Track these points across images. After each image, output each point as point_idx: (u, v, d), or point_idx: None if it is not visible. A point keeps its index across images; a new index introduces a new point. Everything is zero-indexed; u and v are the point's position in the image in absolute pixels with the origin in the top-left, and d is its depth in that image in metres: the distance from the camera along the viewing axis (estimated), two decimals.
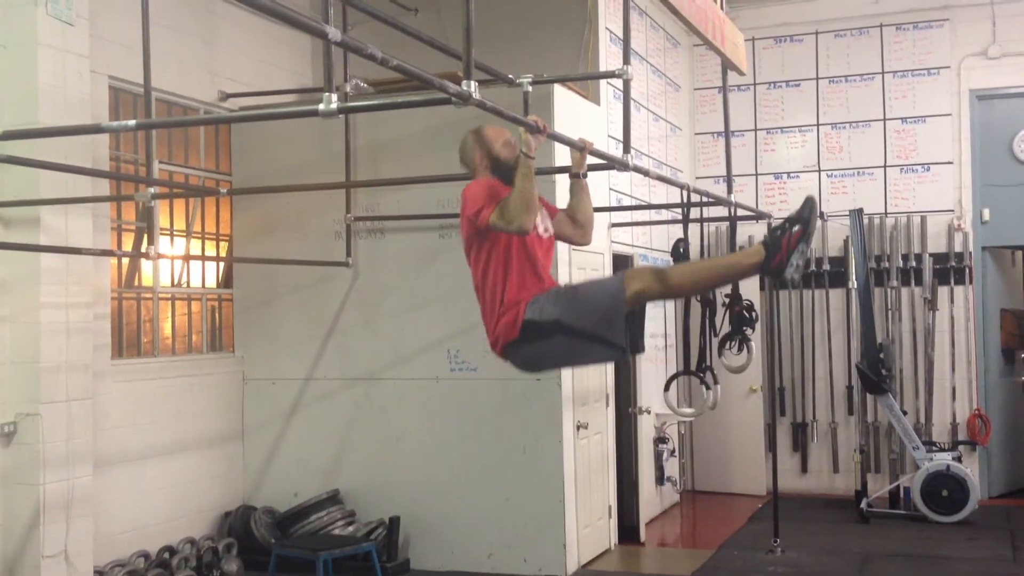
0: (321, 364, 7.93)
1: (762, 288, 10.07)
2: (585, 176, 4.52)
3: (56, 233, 6.15)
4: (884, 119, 10.33)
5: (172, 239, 7.74)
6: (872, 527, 8.79)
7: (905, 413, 9.40)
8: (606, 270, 8.17)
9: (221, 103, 7.91)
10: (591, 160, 4.68)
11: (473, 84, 3.50)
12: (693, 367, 6.57)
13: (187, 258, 7.84)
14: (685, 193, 6.62)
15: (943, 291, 10.03)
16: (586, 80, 8.02)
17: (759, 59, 10.64)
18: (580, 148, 4.49)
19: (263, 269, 7.98)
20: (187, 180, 7.81)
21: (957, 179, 10.09)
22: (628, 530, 8.39)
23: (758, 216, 8.20)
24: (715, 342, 6.64)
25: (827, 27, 10.53)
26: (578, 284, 4.36)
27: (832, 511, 9.45)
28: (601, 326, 3.88)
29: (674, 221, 9.09)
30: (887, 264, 10.11)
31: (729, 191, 7.13)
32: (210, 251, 8.12)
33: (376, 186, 7.62)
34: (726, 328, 6.77)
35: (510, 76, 6.11)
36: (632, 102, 6.17)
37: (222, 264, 8.23)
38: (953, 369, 9.99)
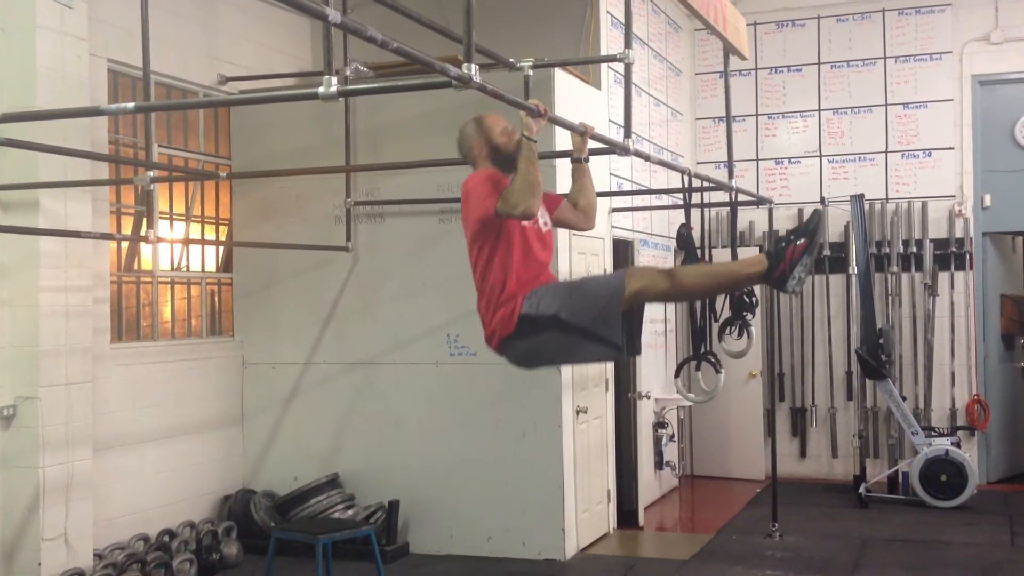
0: (321, 348, 7.93)
1: None
2: (587, 161, 4.49)
3: (55, 216, 6.13)
4: (886, 104, 10.30)
5: (171, 223, 7.73)
6: (871, 512, 8.81)
7: (904, 398, 9.42)
8: (606, 255, 8.16)
9: (220, 86, 7.88)
10: (592, 145, 4.66)
11: (474, 67, 3.49)
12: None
13: (186, 242, 7.83)
14: (686, 178, 6.60)
15: (943, 277, 10.02)
16: (587, 64, 8.00)
17: (761, 44, 10.61)
18: (581, 132, 4.47)
19: (263, 253, 7.97)
20: (186, 164, 7.80)
21: (958, 165, 10.07)
22: (627, 514, 8.41)
23: (759, 201, 8.19)
24: (715, 327, 6.63)
25: (829, 12, 10.49)
26: (578, 279, 4.31)
27: (831, 496, 9.47)
28: (597, 323, 3.83)
29: (675, 206, 9.08)
30: (888, 250, 10.10)
31: (730, 176, 7.12)
32: (209, 235, 8.11)
33: (376, 170, 7.60)
34: (726, 313, 6.75)
35: (511, 60, 6.09)
36: (633, 87, 6.14)
37: (222, 248, 8.22)
38: (953, 355, 9.99)
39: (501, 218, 3.95)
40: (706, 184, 7.12)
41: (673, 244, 9.39)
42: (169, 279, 7.70)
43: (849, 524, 8.41)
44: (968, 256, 10.00)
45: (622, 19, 5.48)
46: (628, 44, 5.08)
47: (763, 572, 7.06)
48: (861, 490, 9.03)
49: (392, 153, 7.58)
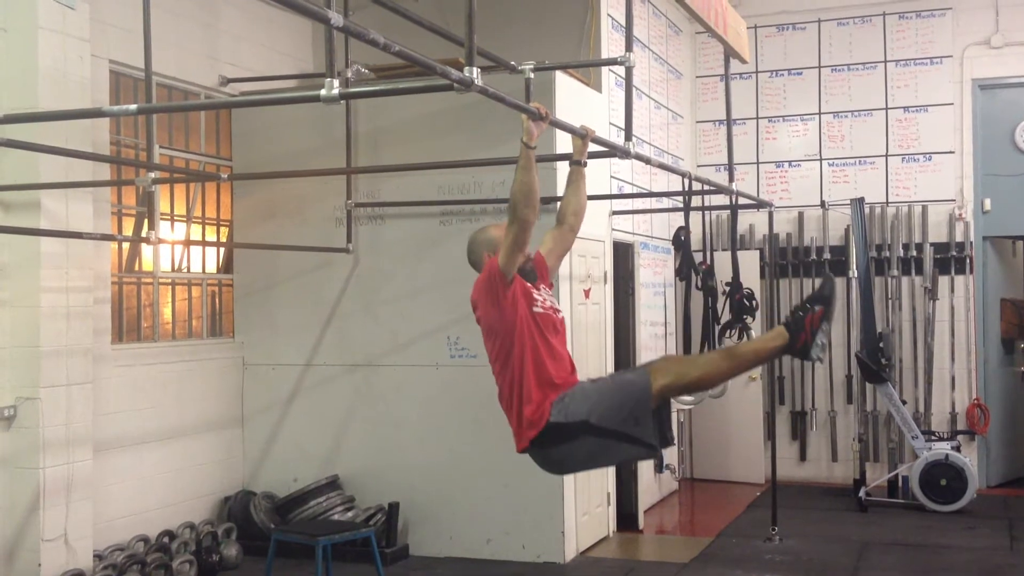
0: (321, 350, 7.94)
1: (763, 276, 10.08)
2: (585, 164, 4.51)
3: (56, 217, 6.14)
4: (886, 108, 10.31)
5: (172, 224, 7.73)
6: (870, 516, 8.81)
7: (904, 402, 9.41)
8: (606, 258, 8.16)
9: (222, 88, 7.89)
10: (592, 147, 4.67)
11: (475, 70, 3.50)
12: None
13: (187, 243, 7.84)
14: (686, 181, 6.61)
15: (943, 280, 10.03)
16: (588, 67, 8.00)
17: (761, 47, 10.61)
18: (582, 135, 4.48)
19: (263, 255, 7.98)
20: (187, 165, 7.80)
21: (958, 169, 10.07)
22: (626, 517, 8.41)
23: (759, 204, 8.20)
24: (716, 330, 6.64)
25: (830, 15, 10.49)
26: (602, 380, 4.22)
27: (830, 500, 9.47)
28: (628, 424, 3.83)
29: (675, 209, 9.09)
30: (888, 253, 10.11)
31: (730, 179, 7.12)
32: (210, 236, 8.12)
33: (377, 172, 7.60)
34: (726, 316, 6.77)
35: (512, 63, 6.10)
36: (634, 89, 6.16)
37: (222, 249, 8.22)
38: (953, 359, 9.99)
39: (506, 267, 3.93)
40: (706, 187, 7.13)
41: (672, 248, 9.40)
42: (170, 280, 7.70)
43: (849, 528, 8.41)
44: (968, 260, 10.00)
45: (623, 22, 5.49)
46: (629, 47, 5.09)
47: None
48: (861, 494, 9.02)
49: (393, 155, 7.58)
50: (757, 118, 10.71)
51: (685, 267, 6.94)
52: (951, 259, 10.01)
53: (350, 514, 7.45)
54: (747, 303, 6.72)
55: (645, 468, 8.80)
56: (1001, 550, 7.73)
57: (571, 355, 4.17)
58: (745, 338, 6.74)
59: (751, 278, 9.19)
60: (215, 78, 7.85)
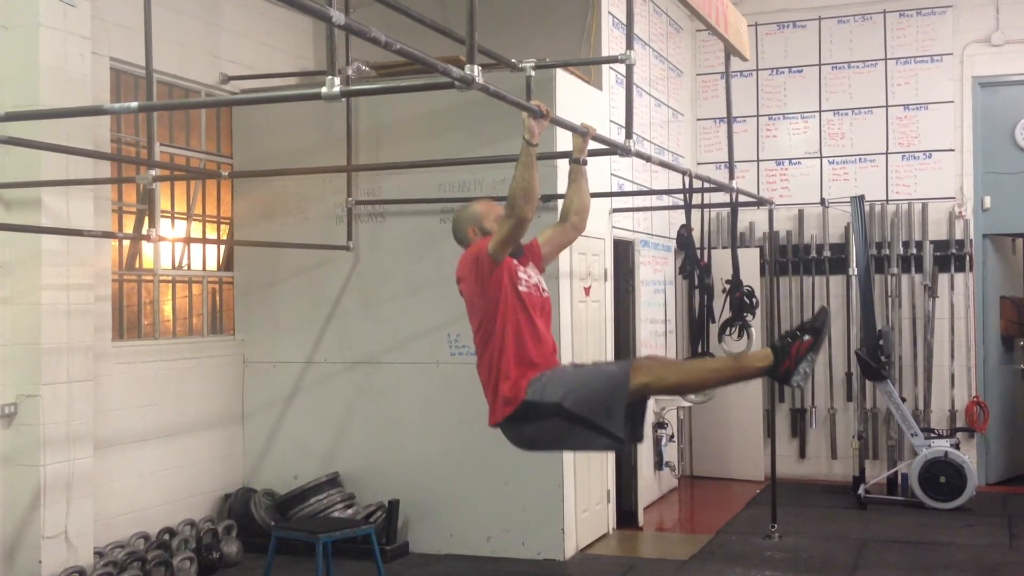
0: (321, 347, 7.94)
1: (763, 274, 10.08)
2: (585, 163, 4.51)
3: (57, 215, 6.15)
4: (886, 106, 10.31)
5: (173, 221, 7.74)
6: (870, 513, 8.82)
7: (904, 400, 9.42)
8: (607, 256, 8.17)
9: (223, 85, 7.89)
10: (593, 145, 4.67)
11: (476, 68, 3.50)
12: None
13: (188, 241, 7.84)
14: (687, 179, 6.62)
15: (943, 278, 10.03)
16: (589, 65, 8.00)
17: (762, 45, 10.61)
18: (582, 133, 4.48)
19: (264, 252, 7.98)
20: (188, 163, 7.81)
21: (958, 166, 10.07)
22: (626, 515, 8.41)
23: (760, 202, 8.20)
24: (715, 328, 6.66)
25: (830, 13, 10.49)
26: (582, 366, 4.28)
27: (830, 497, 9.48)
28: (599, 414, 3.85)
29: (675, 207, 9.10)
30: (888, 251, 10.11)
31: (731, 177, 7.13)
32: (211, 234, 8.12)
33: (377, 170, 7.61)
34: (727, 314, 6.78)
35: (513, 60, 6.10)
36: (634, 87, 6.15)
37: (223, 247, 8.23)
38: (952, 356, 10.00)
39: (495, 255, 3.96)
40: (707, 185, 7.13)
41: (673, 244, 9.40)
42: (170, 277, 7.71)
43: (848, 525, 8.42)
44: (968, 258, 10.01)
45: (624, 20, 5.50)
46: (630, 45, 5.10)
47: (762, 573, 7.07)
48: (860, 491, 9.03)
49: (393, 152, 7.59)
50: (757, 116, 10.71)
51: (688, 265, 6.96)
52: (951, 257, 10.02)
53: (350, 511, 7.46)
54: (747, 301, 6.73)
55: (645, 465, 8.81)
56: (1000, 547, 7.74)
57: (554, 340, 4.21)
58: (745, 335, 6.75)
59: (751, 276, 9.20)
60: (216, 76, 7.86)
